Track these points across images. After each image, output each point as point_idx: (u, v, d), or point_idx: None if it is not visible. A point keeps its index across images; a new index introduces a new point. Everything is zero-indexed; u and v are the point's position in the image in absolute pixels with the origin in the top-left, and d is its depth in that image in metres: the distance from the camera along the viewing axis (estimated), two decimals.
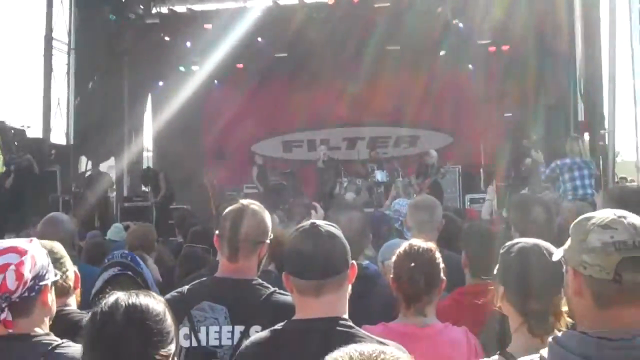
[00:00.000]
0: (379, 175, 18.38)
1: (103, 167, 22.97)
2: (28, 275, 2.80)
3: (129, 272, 4.24)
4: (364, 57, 20.43)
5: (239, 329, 3.53)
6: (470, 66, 20.74)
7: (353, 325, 3.01)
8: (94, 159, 19.72)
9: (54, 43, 19.76)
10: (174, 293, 3.67)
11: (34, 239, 2.98)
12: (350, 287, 3.09)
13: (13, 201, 15.76)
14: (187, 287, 3.71)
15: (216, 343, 3.53)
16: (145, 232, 7.09)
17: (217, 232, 3.81)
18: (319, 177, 19.22)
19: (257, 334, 3.16)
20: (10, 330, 2.78)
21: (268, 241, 3.83)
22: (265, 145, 21.85)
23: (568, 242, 2.53)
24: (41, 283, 2.88)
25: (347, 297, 3.08)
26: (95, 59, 19.94)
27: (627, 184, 17.46)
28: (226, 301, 3.59)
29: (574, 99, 18.26)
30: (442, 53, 20.73)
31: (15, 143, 17.82)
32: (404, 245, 3.83)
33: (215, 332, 3.55)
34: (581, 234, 2.44)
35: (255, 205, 3.84)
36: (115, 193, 20.92)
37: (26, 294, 2.81)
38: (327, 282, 2.97)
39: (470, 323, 3.86)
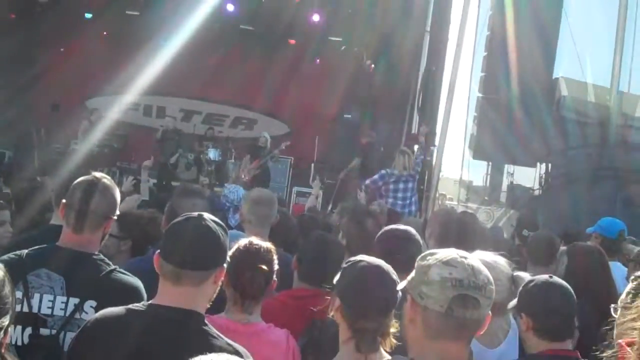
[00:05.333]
0: (212, 154, 18.23)
1: None
2: None
3: None
4: (216, 31, 20.30)
5: (73, 301, 3.52)
6: (317, 60, 21.00)
7: (207, 322, 3.06)
8: None
9: None
10: (11, 255, 3.61)
11: None
12: (216, 288, 3.15)
13: None
14: (26, 251, 3.65)
15: (48, 312, 3.50)
16: None
17: (64, 200, 3.79)
18: (154, 143, 18.86)
19: (111, 308, 3.10)
20: None
21: (115, 217, 3.85)
22: (100, 101, 21.11)
23: (412, 274, 2.69)
24: None
25: (212, 296, 3.14)
26: None
27: (447, 202, 18.28)
28: (65, 272, 3.56)
29: (410, 111, 18.82)
30: (292, 42, 20.89)
31: None
32: (244, 242, 3.84)
33: (49, 300, 3.52)
34: (424, 267, 2.61)
35: (106, 179, 3.85)
36: None
37: None
38: (186, 273, 3.01)
39: (293, 327, 3.95)
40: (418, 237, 4.71)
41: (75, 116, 19.52)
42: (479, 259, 2.71)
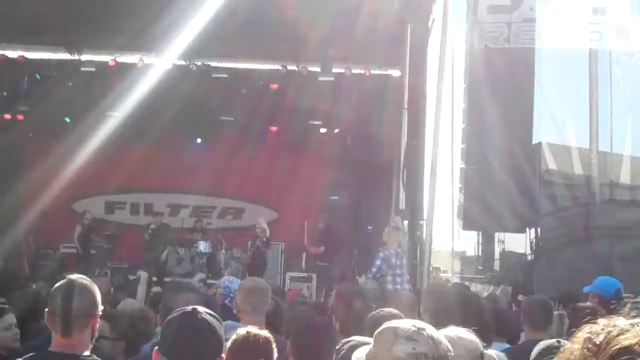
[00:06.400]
0: (202, 246, 18.28)
1: None
2: None
3: None
4: (195, 123, 20.62)
5: None
6: (300, 145, 21.20)
7: None
8: None
9: None
10: None
11: None
12: None
13: None
14: (21, 359, 3.66)
15: None
16: None
17: (46, 309, 3.82)
18: (144, 243, 18.84)
19: None
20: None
21: (99, 313, 3.86)
22: (87, 204, 21.22)
23: (370, 348, 2.69)
24: None
25: None
26: None
27: (442, 275, 18.26)
28: None
29: (397, 188, 18.95)
30: (273, 129, 21.13)
31: None
32: (242, 332, 3.84)
33: None
34: (387, 343, 2.59)
35: (83, 279, 3.88)
36: None
37: None
38: None
39: None
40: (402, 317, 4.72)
41: (63, 220, 19.62)
42: (444, 334, 2.72)
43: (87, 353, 3.74)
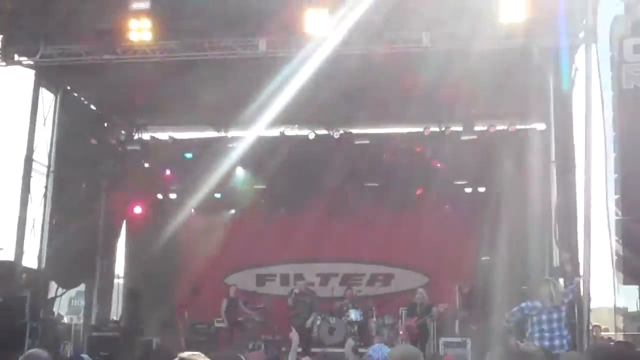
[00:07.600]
0: (353, 314, 18.04)
1: (72, 292, 22.57)
2: None
3: None
4: (342, 193, 20.74)
5: None
6: (447, 206, 20.95)
7: None
8: (64, 285, 19.30)
9: (34, 165, 18.52)
10: None
11: None
12: None
13: None
14: None
15: None
16: None
17: None
18: (289, 310, 18.85)
19: None
20: None
21: None
22: (238, 277, 21.56)
23: None
24: None
25: None
26: (73, 182, 19.53)
27: (602, 334, 17.39)
28: None
29: (550, 245, 18.33)
30: (418, 192, 20.99)
31: None
32: None
33: None
34: None
35: (195, 356, 3.82)
36: (82, 321, 20.41)
37: None
38: None
39: None
40: None
41: (216, 294, 19.99)
42: None
43: None
